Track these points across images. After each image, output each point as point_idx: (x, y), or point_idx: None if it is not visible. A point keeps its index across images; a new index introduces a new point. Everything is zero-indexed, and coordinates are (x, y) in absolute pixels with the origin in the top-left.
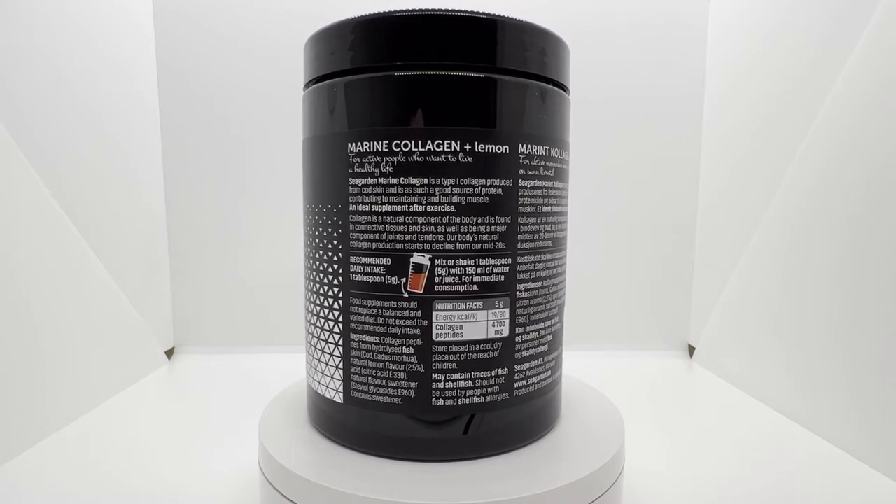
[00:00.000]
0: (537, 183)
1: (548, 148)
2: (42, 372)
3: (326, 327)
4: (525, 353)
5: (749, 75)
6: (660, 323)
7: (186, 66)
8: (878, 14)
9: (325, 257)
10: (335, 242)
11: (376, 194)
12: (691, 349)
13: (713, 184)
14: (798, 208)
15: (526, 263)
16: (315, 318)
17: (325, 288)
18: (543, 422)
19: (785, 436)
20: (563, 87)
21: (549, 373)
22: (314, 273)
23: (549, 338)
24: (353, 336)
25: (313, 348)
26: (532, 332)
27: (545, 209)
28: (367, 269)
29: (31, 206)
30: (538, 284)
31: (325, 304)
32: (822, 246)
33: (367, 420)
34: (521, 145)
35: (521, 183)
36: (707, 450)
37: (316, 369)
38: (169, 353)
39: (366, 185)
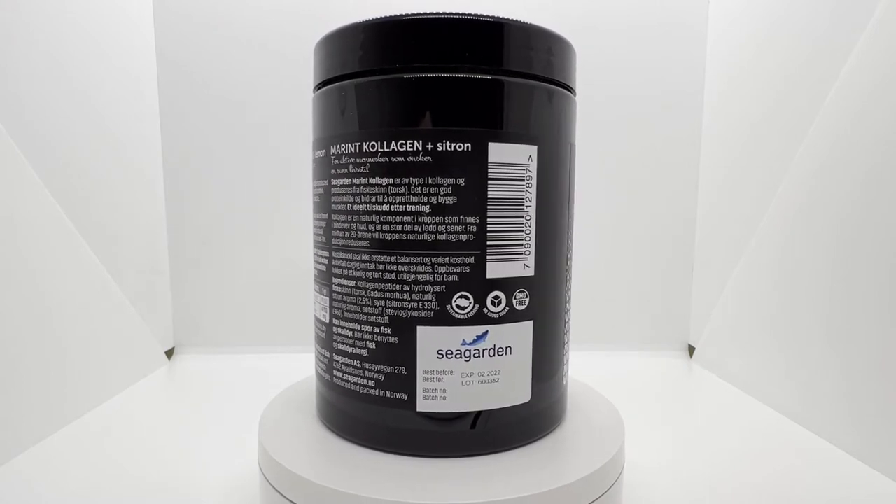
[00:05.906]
0: (346, 181)
1: (357, 144)
2: (42, 372)
3: None
4: (341, 347)
5: (749, 75)
6: (660, 323)
7: (187, 65)
8: (878, 14)
9: None
10: None
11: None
12: (691, 349)
13: (713, 184)
14: (798, 208)
15: (339, 260)
16: None
17: None
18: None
19: (784, 435)
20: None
21: (367, 381)
22: None
23: (371, 346)
24: None
25: None
26: (346, 329)
27: (357, 207)
28: None
29: (31, 206)
30: (351, 283)
31: None
32: (821, 246)
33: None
34: (332, 147)
35: (333, 182)
36: (707, 450)
37: None
38: (169, 354)
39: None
